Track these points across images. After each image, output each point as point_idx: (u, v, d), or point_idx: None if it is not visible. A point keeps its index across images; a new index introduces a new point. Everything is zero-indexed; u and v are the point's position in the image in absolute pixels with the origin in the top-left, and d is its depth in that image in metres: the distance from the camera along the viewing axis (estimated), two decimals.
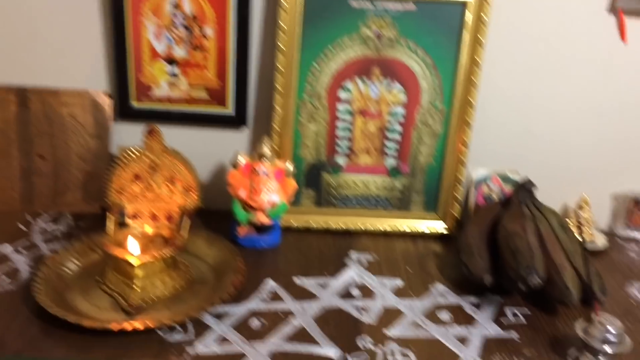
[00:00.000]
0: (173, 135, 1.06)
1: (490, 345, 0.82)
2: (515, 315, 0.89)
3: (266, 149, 1.01)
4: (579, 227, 1.08)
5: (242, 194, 1.01)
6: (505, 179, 1.13)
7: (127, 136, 1.13)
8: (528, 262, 0.85)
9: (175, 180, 0.93)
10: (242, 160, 1.01)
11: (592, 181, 1.17)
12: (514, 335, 0.84)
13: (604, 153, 1.16)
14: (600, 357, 0.76)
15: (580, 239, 0.95)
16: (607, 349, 0.75)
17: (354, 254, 1.05)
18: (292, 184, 1.03)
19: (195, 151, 1.02)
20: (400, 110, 1.08)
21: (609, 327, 0.75)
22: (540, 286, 0.86)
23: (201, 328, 0.82)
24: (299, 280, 0.95)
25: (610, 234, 1.17)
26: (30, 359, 0.72)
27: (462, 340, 0.82)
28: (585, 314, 0.89)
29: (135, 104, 1.11)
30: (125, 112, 1.11)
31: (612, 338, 0.75)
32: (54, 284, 0.87)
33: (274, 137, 1.07)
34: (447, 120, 1.08)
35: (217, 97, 1.11)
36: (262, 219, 1.02)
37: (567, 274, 0.87)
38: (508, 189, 1.11)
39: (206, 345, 0.78)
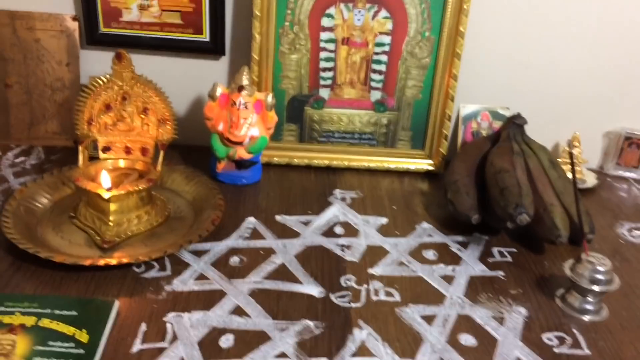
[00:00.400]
0: (146, 64, 1.00)
1: (475, 284, 0.80)
2: (502, 254, 0.88)
3: (245, 80, 0.95)
4: (569, 165, 1.05)
5: (221, 127, 0.96)
6: (495, 115, 1.09)
7: (98, 64, 1.06)
8: (517, 200, 0.82)
9: (148, 111, 0.88)
10: (220, 91, 0.96)
11: (583, 118, 1.14)
12: (500, 274, 0.83)
13: (597, 90, 1.12)
14: (588, 296, 0.75)
15: (570, 177, 0.92)
16: (596, 288, 0.73)
17: (337, 192, 1.01)
18: (273, 117, 0.98)
19: (170, 82, 0.96)
20: (386, 39, 1.02)
21: (598, 267, 0.74)
22: (528, 224, 0.83)
23: (179, 265, 0.79)
24: (281, 218, 0.92)
25: (600, 173, 1.15)
26: (0, 294, 0.69)
27: (448, 279, 0.81)
28: (573, 253, 0.87)
29: (104, 29, 1.04)
30: (93, 38, 1.04)
31: (600, 277, 0.73)
32: (24, 218, 0.83)
33: (254, 68, 1.01)
34: (435, 51, 1.03)
35: (192, 22, 1.04)
36: (242, 154, 0.97)
37: (556, 212, 0.85)
38: (498, 125, 1.08)
39: (184, 282, 0.76)
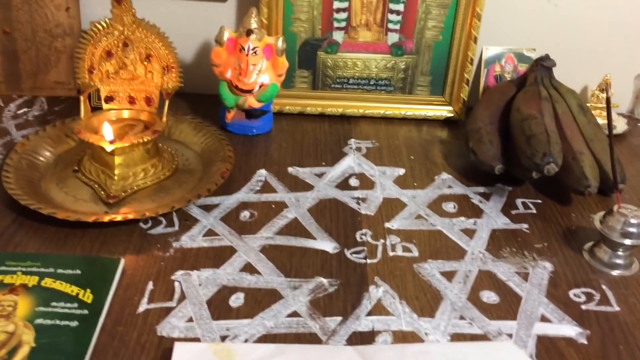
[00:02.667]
0: (148, 7, 0.94)
1: (498, 238, 0.76)
2: (526, 206, 0.83)
3: (254, 23, 0.90)
4: (599, 110, 0.99)
5: (229, 74, 0.91)
6: (521, 57, 1.02)
7: (100, 9, 1.00)
8: (545, 149, 0.77)
9: (151, 57, 0.83)
10: (227, 36, 0.90)
11: (614, 60, 1.07)
12: (524, 227, 0.78)
13: (628, 30, 1.05)
14: (619, 250, 0.71)
15: (600, 123, 0.87)
16: (627, 241, 0.69)
17: (352, 142, 0.97)
18: (284, 63, 0.92)
19: (174, 26, 0.91)
20: None
21: (631, 219, 0.69)
22: (556, 174, 0.78)
23: (187, 221, 0.75)
24: (293, 170, 0.88)
25: (631, 118, 1.08)
26: (1, 254, 0.66)
27: (468, 233, 0.77)
28: (602, 204, 0.83)
29: None
30: None
31: (633, 230, 0.69)
32: (26, 173, 0.80)
33: (263, 10, 0.95)
34: None
35: None
36: (252, 102, 0.93)
37: (586, 161, 0.80)
38: (523, 68, 1.01)
39: (192, 238, 0.72)
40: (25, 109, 0.99)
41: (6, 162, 0.80)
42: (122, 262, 0.67)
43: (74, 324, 0.58)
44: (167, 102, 0.83)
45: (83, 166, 0.82)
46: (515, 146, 0.82)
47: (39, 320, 0.57)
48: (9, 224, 0.73)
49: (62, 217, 0.71)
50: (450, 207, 0.82)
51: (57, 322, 0.58)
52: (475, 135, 0.87)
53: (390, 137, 0.99)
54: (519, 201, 0.84)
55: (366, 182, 0.86)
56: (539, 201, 0.84)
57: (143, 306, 0.62)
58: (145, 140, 0.79)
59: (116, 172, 0.79)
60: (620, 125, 1.03)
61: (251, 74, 0.90)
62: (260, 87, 0.92)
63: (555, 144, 0.78)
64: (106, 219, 0.71)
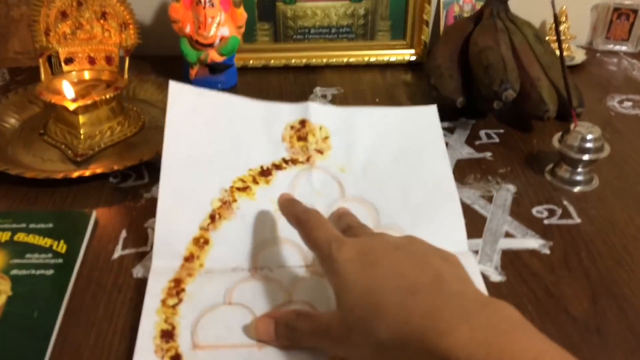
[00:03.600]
0: None
1: (463, 167, 0.78)
2: (489, 136, 0.85)
3: None
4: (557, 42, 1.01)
5: (188, 29, 0.91)
6: None
7: None
8: (502, 76, 0.78)
9: (107, 15, 0.83)
10: None
11: None
12: (487, 155, 0.81)
13: None
14: (578, 167, 0.73)
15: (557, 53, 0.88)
16: (586, 157, 0.71)
17: (318, 90, 0.98)
18: (242, 14, 0.92)
19: None
20: None
21: (587, 135, 0.71)
22: (515, 101, 0.80)
23: (157, 173, 0.75)
24: None
25: (589, 49, 1.10)
26: None
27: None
28: (562, 129, 0.85)
29: None
30: None
31: (590, 145, 0.71)
32: None
33: None
34: None
35: None
36: (214, 56, 0.93)
37: (543, 86, 0.82)
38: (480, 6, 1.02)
39: None
40: None
41: None
42: (94, 213, 0.68)
43: (50, 272, 0.59)
44: (127, 60, 0.83)
45: (49, 129, 0.82)
46: (474, 78, 0.84)
47: (14, 272, 0.58)
48: None
49: (30, 176, 0.71)
50: None
51: (33, 271, 0.58)
52: (436, 72, 0.88)
53: (355, 83, 1.00)
54: (482, 132, 0.86)
55: None
56: (502, 131, 0.86)
57: (117, 253, 0.63)
58: (108, 97, 0.79)
59: (82, 131, 0.79)
60: (579, 56, 1.05)
61: (210, 27, 0.90)
62: (220, 40, 0.92)
63: (512, 70, 0.80)
64: (75, 174, 0.72)
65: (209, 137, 0.66)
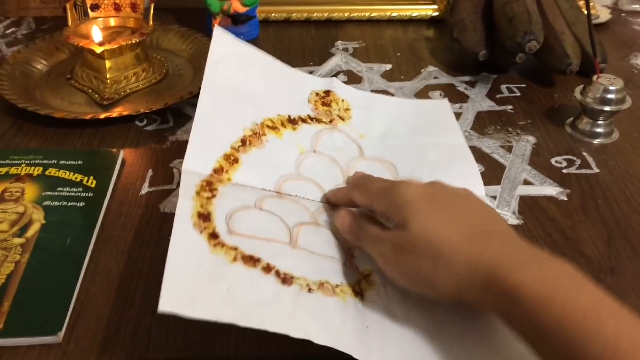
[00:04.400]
0: None
1: (483, 119, 0.79)
2: (510, 90, 0.85)
3: None
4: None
5: None
6: None
7: None
8: (526, 28, 0.78)
9: None
10: None
11: None
12: (508, 108, 0.81)
13: None
14: (599, 119, 0.73)
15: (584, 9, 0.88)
16: (607, 108, 0.71)
17: (339, 43, 0.98)
18: None
19: None
20: None
21: (609, 86, 0.71)
22: (538, 55, 0.80)
23: (181, 117, 0.78)
24: None
25: (614, 8, 1.09)
26: (4, 150, 0.69)
27: (454, 116, 0.79)
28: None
29: None
30: None
31: (611, 97, 0.71)
32: (20, 81, 0.81)
33: None
34: None
35: None
36: (237, 7, 0.93)
37: (567, 40, 0.81)
38: None
39: (188, 132, 0.74)
40: (13, 29, 1.00)
41: (0, 72, 0.81)
42: (122, 153, 0.70)
43: (81, 204, 0.61)
44: (152, 6, 0.84)
45: (76, 74, 0.83)
46: (498, 31, 0.84)
47: (47, 202, 0.60)
48: (8, 127, 0.75)
49: (59, 116, 0.73)
50: (436, 95, 0.84)
51: (64, 203, 0.61)
52: (459, 26, 0.88)
53: (377, 37, 1.00)
54: (503, 86, 0.86)
55: (354, 78, 0.88)
56: (523, 85, 0.86)
57: (145, 189, 0.65)
58: (134, 42, 0.80)
59: (108, 75, 0.80)
60: (604, 15, 1.04)
61: None
62: None
63: (537, 22, 0.79)
64: (102, 115, 0.74)
65: (244, 79, 0.68)
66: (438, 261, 0.44)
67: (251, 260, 0.49)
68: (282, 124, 0.67)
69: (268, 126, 0.65)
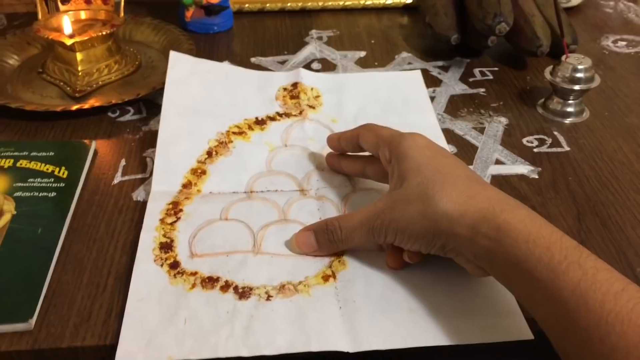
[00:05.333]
0: None
1: (456, 102, 0.79)
2: (483, 73, 0.86)
3: None
4: None
5: None
6: None
7: None
8: (495, 9, 0.79)
9: None
10: None
11: None
12: (481, 90, 0.82)
13: None
14: (570, 99, 0.74)
15: None
16: (576, 87, 0.72)
17: (313, 32, 0.98)
18: None
19: None
20: None
21: (578, 65, 0.72)
22: (508, 37, 0.81)
23: (154, 108, 0.77)
24: (256, 60, 0.89)
25: None
26: None
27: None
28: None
29: None
30: None
31: (581, 75, 0.72)
32: None
33: None
34: None
35: None
36: None
37: (537, 22, 0.82)
38: None
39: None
40: None
41: None
42: (94, 143, 0.69)
43: (52, 194, 0.60)
44: None
45: (47, 67, 0.83)
46: (469, 15, 0.84)
47: (18, 194, 0.60)
48: None
49: (30, 109, 0.72)
50: None
51: (36, 194, 0.60)
52: (431, 10, 0.89)
53: (351, 26, 1.01)
54: (476, 70, 0.87)
55: (328, 65, 0.88)
56: (496, 69, 0.87)
57: (117, 179, 0.65)
58: (105, 33, 0.80)
59: (79, 68, 0.80)
60: None
61: None
62: None
63: (506, 4, 0.80)
64: (74, 107, 0.73)
65: (206, 94, 0.72)
66: (425, 209, 0.47)
67: (210, 281, 0.51)
68: (249, 127, 0.69)
69: (234, 132, 0.68)
